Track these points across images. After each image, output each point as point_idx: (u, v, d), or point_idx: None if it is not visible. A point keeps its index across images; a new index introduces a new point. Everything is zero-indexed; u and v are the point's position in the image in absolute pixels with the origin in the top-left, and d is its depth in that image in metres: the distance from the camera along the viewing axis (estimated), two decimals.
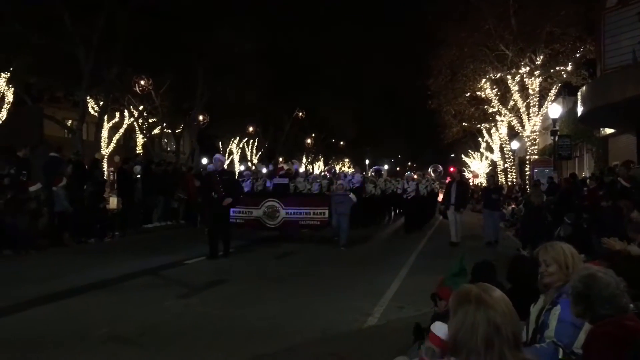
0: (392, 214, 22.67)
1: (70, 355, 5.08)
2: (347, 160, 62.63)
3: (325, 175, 20.32)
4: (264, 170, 17.88)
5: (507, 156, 34.12)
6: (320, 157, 57.44)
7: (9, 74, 22.90)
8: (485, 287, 1.99)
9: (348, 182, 17.74)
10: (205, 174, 14.76)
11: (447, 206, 14.40)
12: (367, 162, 48.34)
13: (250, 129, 42.48)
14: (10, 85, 24.05)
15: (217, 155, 12.26)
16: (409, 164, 65.04)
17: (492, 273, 5.08)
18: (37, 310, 6.65)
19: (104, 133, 29.21)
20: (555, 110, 21.52)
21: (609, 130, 21.39)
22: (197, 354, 5.19)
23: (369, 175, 22.79)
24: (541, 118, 25.68)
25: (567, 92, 26.53)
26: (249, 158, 45.66)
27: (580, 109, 18.19)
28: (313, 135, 51.00)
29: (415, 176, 20.76)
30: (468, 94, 28.44)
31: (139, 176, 17.00)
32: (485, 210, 14.89)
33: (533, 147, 25.90)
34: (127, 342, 5.49)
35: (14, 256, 11.00)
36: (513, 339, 1.87)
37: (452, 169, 19.75)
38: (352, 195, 13.29)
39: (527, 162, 26.18)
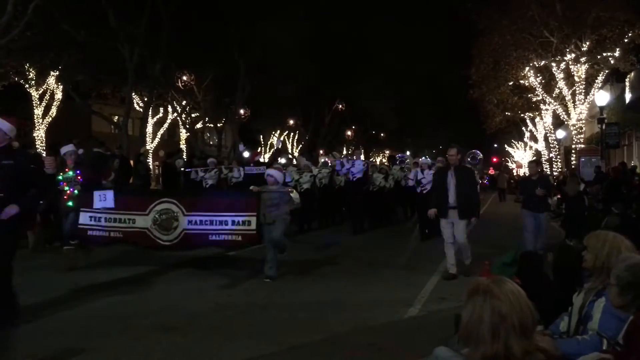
0: (408, 211, 17.25)
1: (117, 343, 5.27)
2: (387, 152, 62.25)
3: (326, 163, 16.50)
4: (305, 163, 15.83)
5: (552, 145, 33.33)
6: (360, 149, 57.32)
7: (57, 72, 23.63)
8: (497, 279, 2.06)
9: (346, 170, 14.40)
10: None
11: (441, 211, 8.58)
12: (408, 153, 47.98)
13: (291, 122, 42.70)
14: (60, 83, 24.84)
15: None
16: None
17: (538, 264, 5.02)
18: (86, 301, 6.87)
19: (149, 128, 29.94)
20: (602, 97, 20.92)
21: None
22: (239, 342, 5.30)
23: (378, 162, 18.87)
24: (588, 106, 24.94)
25: (615, 78, 25.68)
26: (289, 151, 45.93)
27: (628, 96, 17.65)
28: (353, 127, 50.87)
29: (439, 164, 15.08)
30: (511, 83, 27.85)
31: (182, 169, 17.38)
32: (525, 212, 10.23)
33: (579, 136, 25.22)
34: (171, 331, 5.65)
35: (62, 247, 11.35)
36: (520, 328, 1.93)
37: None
38: (293, 194, 8.85)
39: (573, 151, 25.51)
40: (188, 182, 16.95)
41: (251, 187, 8.79)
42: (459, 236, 8.48)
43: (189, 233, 8.52)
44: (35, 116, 24.99)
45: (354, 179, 14.04)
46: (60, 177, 8.91)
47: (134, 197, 9.30)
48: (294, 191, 9.02)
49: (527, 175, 12.62)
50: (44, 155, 12.14)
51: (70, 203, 8.82)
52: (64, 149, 9.23)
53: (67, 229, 8.82)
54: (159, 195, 9.27)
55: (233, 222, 8.39)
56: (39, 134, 24.91)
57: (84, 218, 8.69)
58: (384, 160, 45.85)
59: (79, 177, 8.90)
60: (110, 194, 8.54)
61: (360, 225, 14.09)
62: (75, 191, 8.80)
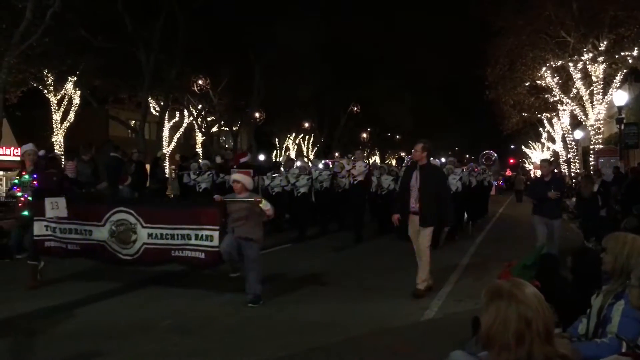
0: None
1: (135, 345, 5.31)
2: (403, 153, 62.15)
3: (327, 165, 15.55)
4: (320, 166, 15.47)
5: (569, 146, 33.02)
6: (376, 151, 57.20)
7: (75, 77, 23.92)
8: (517, 283, 2.01)
9: (345, 173, 13.61)
10: None
11: (402, 216, 7.48)
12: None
13: (306, 124, 42.80)
14: (77, 89, 25.16)
15: None
16: (467, 156, 64.02)
17: (556, 266, 4.99)
18: (104, 303, 6.95)
19: (165, 132, 30.20)
20: (620, 97, 20.68)
21: None
22: (256, 345, 5.31)
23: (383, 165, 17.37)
24: (606, 106, 24.67)
25: (634, 78, 25.39)
26: (305, 154, 45.99)
27: None
28: (369, 129, 50.83)
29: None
30: (527, 83, 27.67)
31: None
32: (536, 218, 8.97)
33: (597, 136, 24.96)
34: (188, 333, 5.69)
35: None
36: (544, 333, 1.89)
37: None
38: (262, 204, 6.96)
39: (592, 151, 25.25)
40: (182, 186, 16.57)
41: (215, 197, 7.70)
42: (420, 246, 7.33)
43: (150, 248, 7.52)
44: (54, 121, 25.35)
45: (355, 182, 12.91)
46: (15, 181, 8.01)
47: (87, 205, 8.22)
48: (264, 200, 7.18)
49: (539, 176, 11.38)
50: (62, 160, 12.24)
51: (25, 212, 7.83)
52: (23, 148, 8.13)
53: (29, 241, 7.88)
54: (115, 204, 8.05)
55: (197, 237, 7.25)
56: (58, 139, 25.25)
57: (39, 228, 7.77)
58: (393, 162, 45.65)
59: (34, 182, 7.79)
60: (62, 202, 7.60)
61: (361, 232, 12.90)
62: (30, 198, 7.79)
